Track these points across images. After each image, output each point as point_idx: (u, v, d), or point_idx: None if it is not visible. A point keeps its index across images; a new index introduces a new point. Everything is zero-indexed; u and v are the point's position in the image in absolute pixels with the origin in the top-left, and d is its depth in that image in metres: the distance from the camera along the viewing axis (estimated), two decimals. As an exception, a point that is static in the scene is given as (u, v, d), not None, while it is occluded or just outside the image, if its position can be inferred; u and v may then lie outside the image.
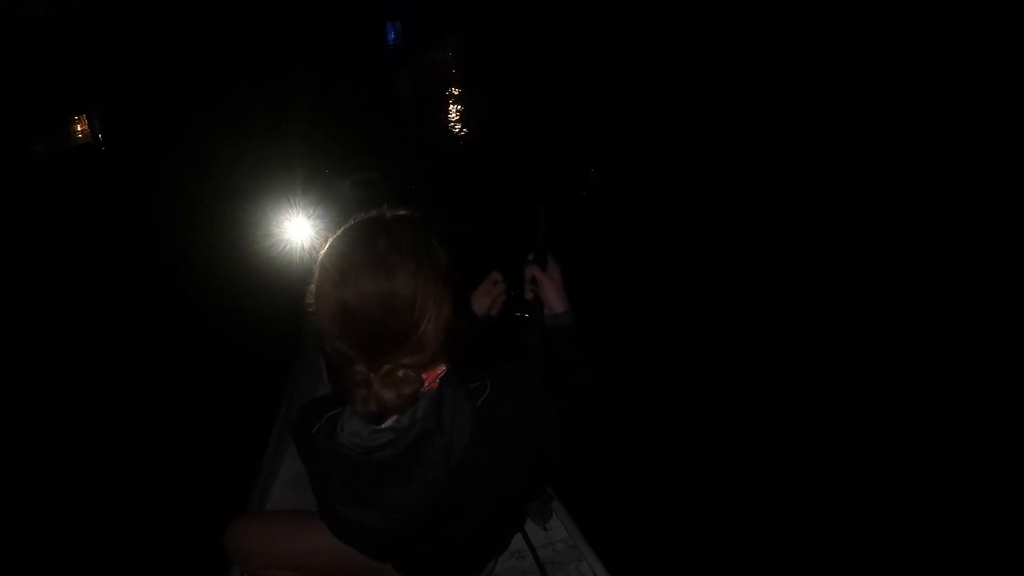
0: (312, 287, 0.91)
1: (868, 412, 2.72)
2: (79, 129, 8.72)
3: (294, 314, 0.94)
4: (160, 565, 2.26)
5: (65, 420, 3.11)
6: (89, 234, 5.28)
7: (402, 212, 0.94)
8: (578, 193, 5.03)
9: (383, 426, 0.90)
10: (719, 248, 4.20)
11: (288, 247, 1.96)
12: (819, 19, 9.83)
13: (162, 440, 2.86)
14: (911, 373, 2.92)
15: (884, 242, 4.02)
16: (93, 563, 2.31)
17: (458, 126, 7.20)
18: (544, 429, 0.94)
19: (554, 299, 1.13)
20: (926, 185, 4.66)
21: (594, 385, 1.07)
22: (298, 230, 1.99)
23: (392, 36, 13.55)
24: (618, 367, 2.63)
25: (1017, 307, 3.21)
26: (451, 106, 8.04)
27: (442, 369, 0.92)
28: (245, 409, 2.70)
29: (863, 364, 3.00)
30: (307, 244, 1.90)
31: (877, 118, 6.03)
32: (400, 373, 0.87)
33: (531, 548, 1.57)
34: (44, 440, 2.99)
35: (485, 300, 1.39)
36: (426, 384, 0.90)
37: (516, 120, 6.44)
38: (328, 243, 0.92)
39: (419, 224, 0.94)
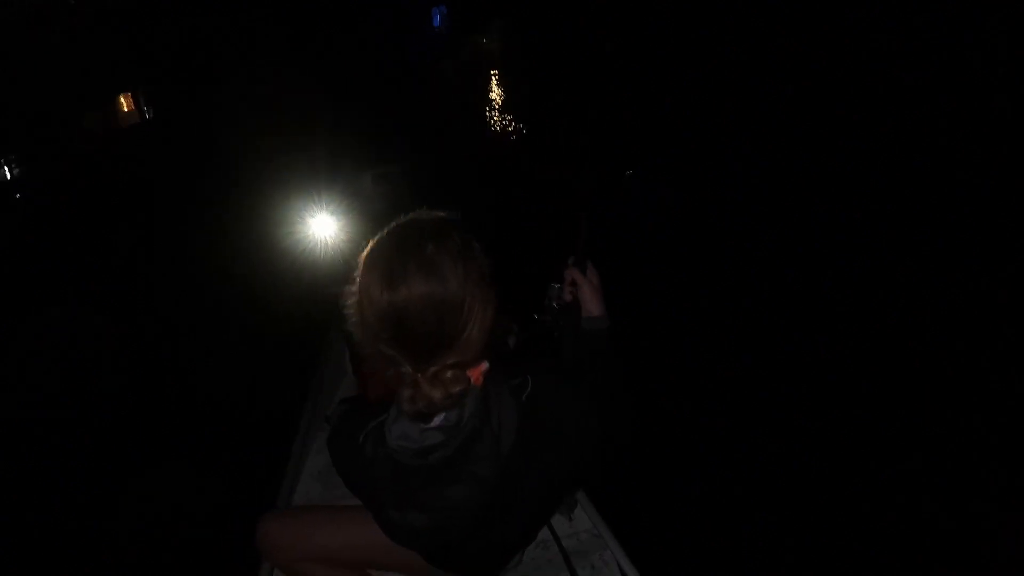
0: (354, 289, 0.89)
1: (868, 412, 2.72)
2: (125, 107, 8.99)
3: (318, 309, 0.93)
4: (161, 565, 2.27)
5: (71, 417, 3.11)
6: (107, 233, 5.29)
7: (443, 214, 0.94)
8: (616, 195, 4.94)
9: (431, 425, 0.90)
10: (719, 248, 4.20)
11: (312, 243, 1.96)
12: (820, 18, 9.84)
13: (182, 436, 2.86)
14: (911, 373, 2.92)
15: (884, 242, 4.02)
16: (93, 563, 2.31)
17: (501, 113, 7.04)
18: (583, 420, 0.96)
19: (592, 302, 1.14)
20: (926, 185, 4.66)
21: (621, 388, 1.09)
22: (321, 226, 1.99)
23: (437, 20, 13.36)
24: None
25: (1017, 307, 3.22)
26: (495, 92, 7.88)
27: (485, 366, 0.93)
28: (269, 403, 2.68)
29: (863, 364, 3.00)
30: (330, 240, 1.92)
31: (876, 119, 6.03)
32: (448, 374, 0.87)
33: (556, 538, 1.59)
34: (44, 440, 2.99)
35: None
36: (471, 380, 0.91)
37: (555, 113, 6.29)
38: (371, 245, 0.90)
39: (462, 227, 0.94)
